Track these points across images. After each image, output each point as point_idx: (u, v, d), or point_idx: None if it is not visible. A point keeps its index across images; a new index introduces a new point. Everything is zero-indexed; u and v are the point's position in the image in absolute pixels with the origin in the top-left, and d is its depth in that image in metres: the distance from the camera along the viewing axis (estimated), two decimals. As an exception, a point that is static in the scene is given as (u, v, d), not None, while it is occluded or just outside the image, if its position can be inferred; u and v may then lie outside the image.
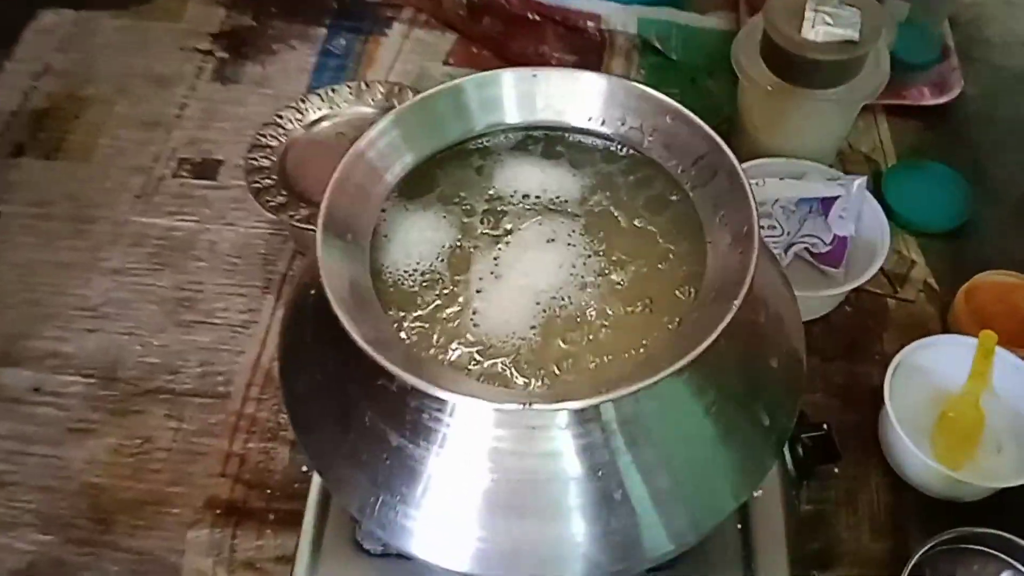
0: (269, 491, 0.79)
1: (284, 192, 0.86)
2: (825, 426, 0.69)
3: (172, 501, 0.79)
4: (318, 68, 1.14)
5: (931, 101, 1.07)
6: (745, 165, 0.90)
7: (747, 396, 0.49)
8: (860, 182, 0.89)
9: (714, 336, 0.41)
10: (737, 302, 0.42)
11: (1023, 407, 0.77)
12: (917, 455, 0.73)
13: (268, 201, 0.85)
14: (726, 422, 0.48)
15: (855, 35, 0.85)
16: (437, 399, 0.42)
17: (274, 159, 0.89)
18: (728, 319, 0.42)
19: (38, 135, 1.06)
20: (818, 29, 0.85)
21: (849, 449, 0.80)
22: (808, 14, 0.86)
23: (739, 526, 0.63)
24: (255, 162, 0.89)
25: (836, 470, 0.79)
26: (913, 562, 0.67)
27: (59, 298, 0.92)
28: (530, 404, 0.40)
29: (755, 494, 0.63)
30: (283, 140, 0.91)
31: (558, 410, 0.42)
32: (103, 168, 1.04)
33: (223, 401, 0.85)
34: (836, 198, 0.88)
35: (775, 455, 0.50)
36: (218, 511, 0.78)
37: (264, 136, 0.91)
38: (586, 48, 1.17)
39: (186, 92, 1.12)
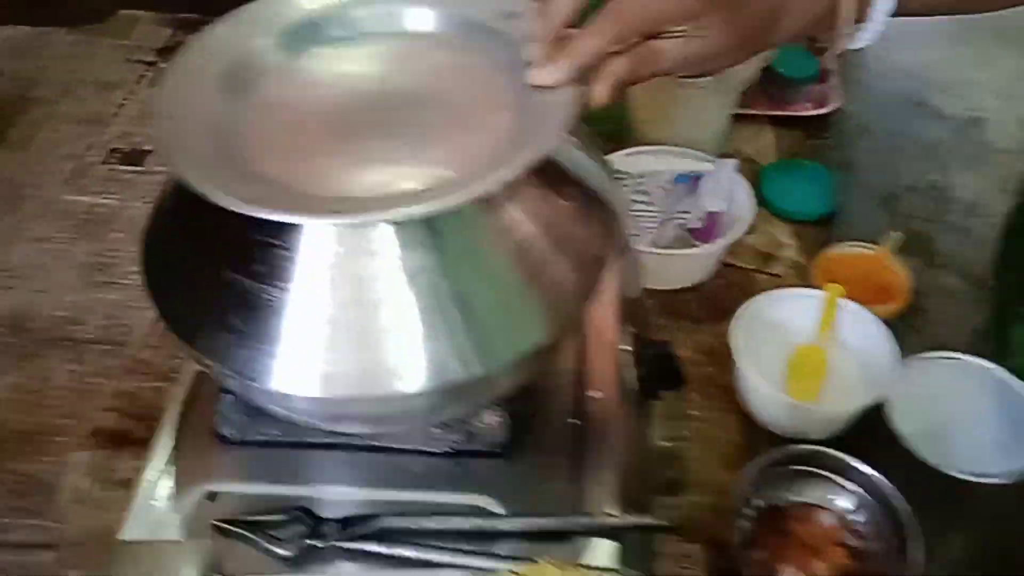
0: (155, 423, 0.82)
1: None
2: (666, 344, 0.74)
3: (61, 431, 0.83)
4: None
5: (811, 112, 1.16)
6: (629, 150, 0.99)
7: (559, 242, 0.53)
8: (731, 163, 0.97)
9: (518, 169, 0.45)
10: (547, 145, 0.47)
11: (864, 350, 0.83)
12: (763, 385, 0.78)
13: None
14: (535, 261, 0.52)
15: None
16: (276, 231, 0.47)
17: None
18: (537, 156, 0.46)
19: (-17, 129, 1.14)
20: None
21: (708, 396, 0.85)
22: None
23: (577, 422, 0.67)
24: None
25: (694, 412, 0.84)
26: (747, 479, 0.71)
27: (-19, 261, 0.98)
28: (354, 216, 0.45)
29: (594, 395, 0.69)
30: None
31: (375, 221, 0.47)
32: (39, 155, 1.12)
33: (121, 347, 0.89)
34: (706, 175, 0.96)
35: (579, 307, 0.54)
36: (102, 439, 0.81)
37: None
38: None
39: (126, 95, 1.20)
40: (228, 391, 0.66)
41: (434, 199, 0.46)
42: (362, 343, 0.50)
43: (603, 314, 0.71)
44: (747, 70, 1.00)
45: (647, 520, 0.61)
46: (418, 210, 0.46)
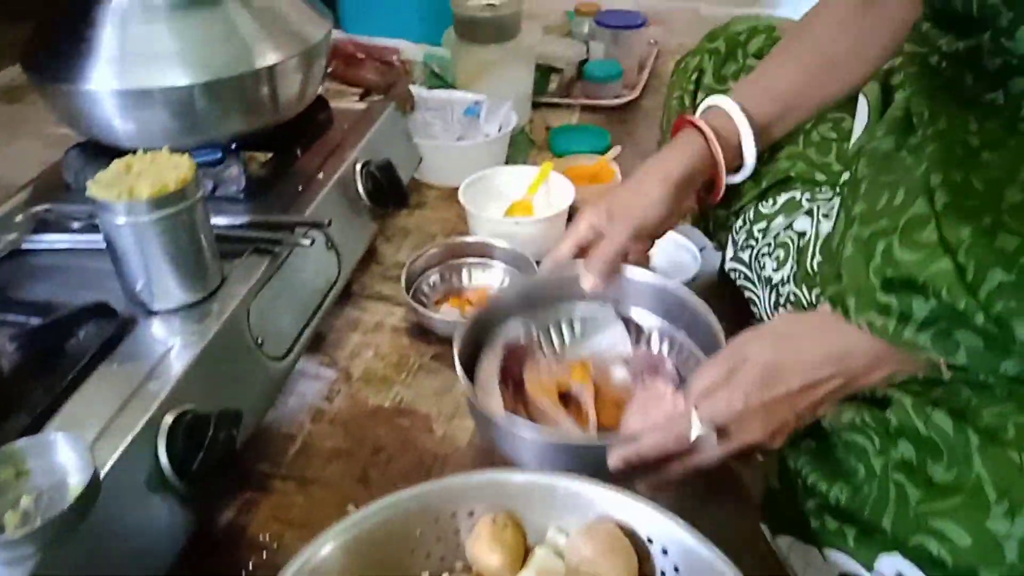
0: None
1: None
2: (391, 165, 1.04)
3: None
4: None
5: (611, 103, 1.50)
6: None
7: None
8: (508, 104, 1.30)
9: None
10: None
11: (557, 204, 1.11)
12: (481, 216, 1.07)
13: None
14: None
15: (498, 2, 1.31)
16: None
17: None
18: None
19: None
20: (477, -1, 1.31)
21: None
22: (476, -10, 1.33)
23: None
24: None
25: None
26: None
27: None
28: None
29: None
30: None
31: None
32: None
33: None
34: (488, 110, 1.29)
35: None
36: None
37: None
38: (395, 74, 1.64)
39: None
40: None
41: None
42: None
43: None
44: (532, 37, 1.34)
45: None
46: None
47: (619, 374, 0.79)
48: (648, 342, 0.83)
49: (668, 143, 0.83)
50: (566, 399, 0.76)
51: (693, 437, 0.63)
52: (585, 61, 1.56)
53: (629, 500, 0.58)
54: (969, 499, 0.50)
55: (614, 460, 0.66)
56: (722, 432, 0.63)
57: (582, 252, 0.80)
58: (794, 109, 0.82)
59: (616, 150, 1.26)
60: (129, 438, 0.64)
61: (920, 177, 0.59)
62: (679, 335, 0.81)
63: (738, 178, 0.83)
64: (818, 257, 0.74)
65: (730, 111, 0.80)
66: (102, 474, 0.61)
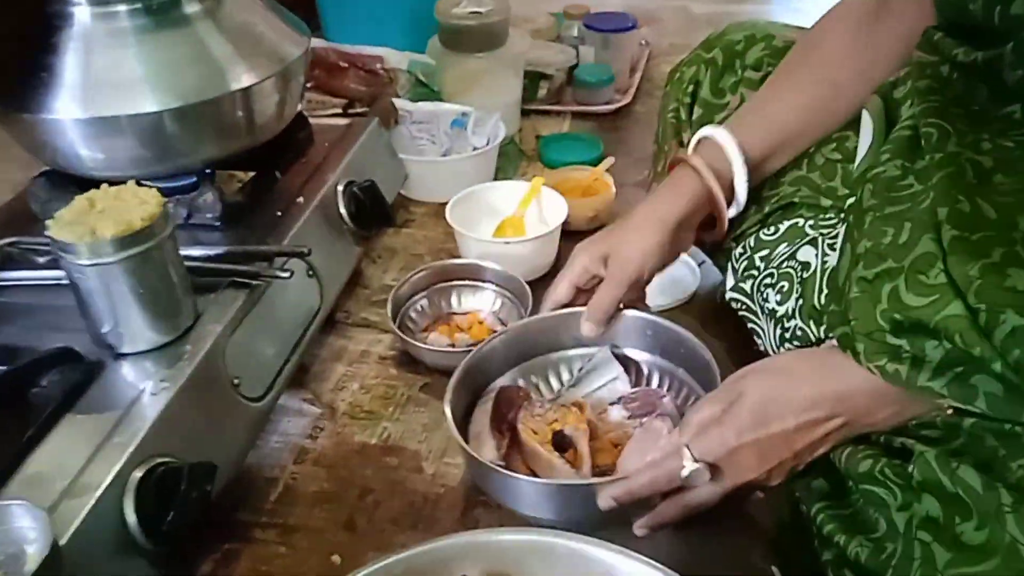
0: None
1: None
2: (373, 184, 0.99)
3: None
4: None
5: (601, 109, 1.46)
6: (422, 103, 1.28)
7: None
8: (496, 115, 1.25)
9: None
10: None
11: (550, 220, 1.07)
12: (470, 237, 1.03)
13: None
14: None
15: (484, 9, 1.26)
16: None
17: None
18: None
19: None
20: (462, 6, 1.26)
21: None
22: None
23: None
24: None
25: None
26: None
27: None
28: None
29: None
30: None
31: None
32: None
33: None
34: (475, 122, 1.24)
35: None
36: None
37: None
38: (379, 84, 1.60)
39: None
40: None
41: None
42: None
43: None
44: (520, 47, 1.30)
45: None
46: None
47: (617, 415, 0.76)
48: (647, 381, 0.81)
49: (664, 183, 0.81)
50: (562, 443, 0.72)
51: (684, 474, 0.61)
52: (575, 66, 1.52)
53: (632, 560, 0.54)
54: (1005, 563, 0.46)
55: (604, 499, 0.65)
56: (715, 469, 0.61)
57: (578, 293, 0.81)
58: (794, 140, 0.79)
59: (609, 161, 1.22)
60: (94, 498, 0.60)
61: (926, 210, 0.55)
62: (679, 372, 0.80)
63: (730, 213, 0.80)
64: (824, 291, 0.70)
65: (724, 145, 0.77)
66: (64, 540, 0.57)
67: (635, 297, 0.82)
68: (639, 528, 0.67)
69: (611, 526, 0.65)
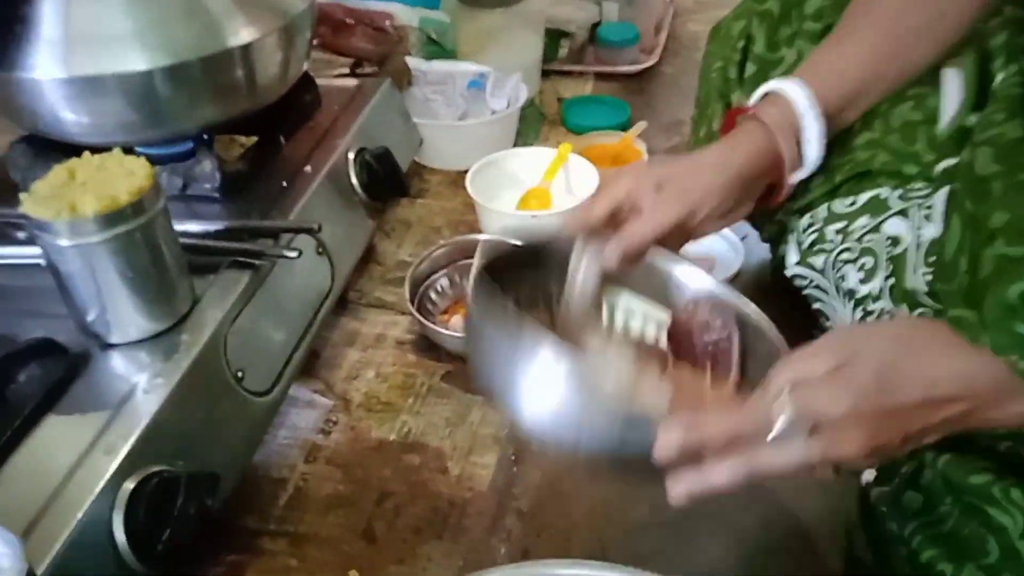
0: None
1: None
2: (388, 153, 0.90)
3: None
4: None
5: (626, 70, 1.36)
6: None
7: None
8: (517, 76, 1.16)
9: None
10: None
11: (578, 192, 0.98)
12: (493, 209, 0.94)
13: None
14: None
15: (505, -39, 1.16)
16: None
17: None
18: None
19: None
20: (481, -42, 1.17)
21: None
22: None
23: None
24: None
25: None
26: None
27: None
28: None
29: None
30: None
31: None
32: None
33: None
34: (493, 83, 1.15)
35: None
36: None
37: None
38: (389, 41, 1.50)
39: None
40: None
41: None
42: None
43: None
44: (539, 3, 1.20)
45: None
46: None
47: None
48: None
49: (726, 138, 0.69)
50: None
51: (779, 425, 0.48)
52: (598, 24, 1.42)
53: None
54: None
55: (667, 444, 0.49)
56: (813, 432, 0.49)
57: (613, 220, 0.65)
58: (865, 94, 0.68)
59: (641, 126, 1.12)
60: (77, 517, 0.52)
61: None
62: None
63: (797, 178, 0.70)
64: (923, 269, 0.61)
65: (795, 99, 0.66)
66: (41, 568, 0.49)
67: (675, 246, 0.68)
68: (677, 493, 0.51)
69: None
